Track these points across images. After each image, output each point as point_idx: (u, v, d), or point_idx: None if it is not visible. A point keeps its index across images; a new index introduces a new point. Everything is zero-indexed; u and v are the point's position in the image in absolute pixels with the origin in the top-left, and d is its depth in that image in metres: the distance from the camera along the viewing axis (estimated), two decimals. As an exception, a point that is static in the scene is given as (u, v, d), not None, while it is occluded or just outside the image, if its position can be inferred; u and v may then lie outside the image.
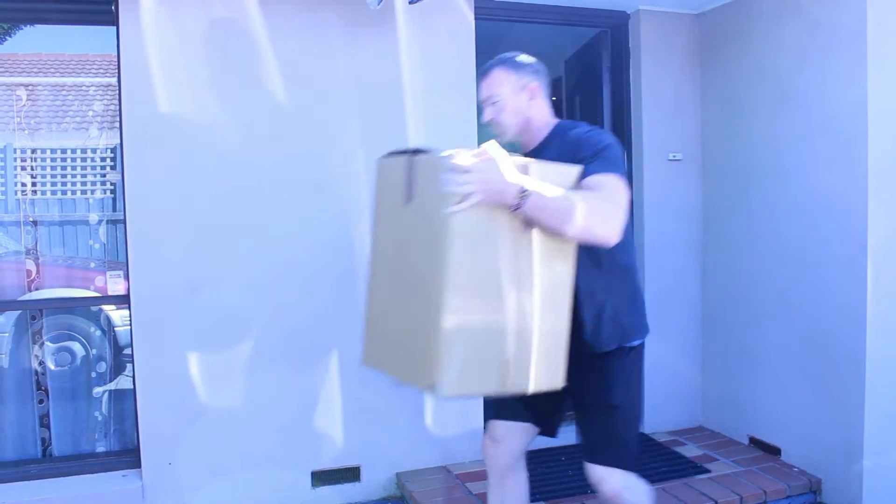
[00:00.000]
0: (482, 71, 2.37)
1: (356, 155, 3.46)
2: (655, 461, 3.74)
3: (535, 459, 3.83)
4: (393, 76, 3.52)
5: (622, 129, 4.23)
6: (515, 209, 1.91)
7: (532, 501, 3.30)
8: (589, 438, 2.36)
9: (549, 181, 1.99)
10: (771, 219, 3.69)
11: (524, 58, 2.36)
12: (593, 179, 2.05)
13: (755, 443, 3.86)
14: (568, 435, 4.10)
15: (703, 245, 4.20)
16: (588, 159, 2.13)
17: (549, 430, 2.53)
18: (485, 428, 2.60)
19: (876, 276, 3.17)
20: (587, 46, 4.58)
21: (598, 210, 2.00)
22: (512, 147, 2.21)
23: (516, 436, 2.49)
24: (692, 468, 3.64)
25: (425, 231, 1.97)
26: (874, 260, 3.16)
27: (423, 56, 3.56)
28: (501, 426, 2.49)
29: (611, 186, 2.06)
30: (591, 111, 4.53)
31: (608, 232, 2.03)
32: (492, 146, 1.95)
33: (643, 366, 2.40)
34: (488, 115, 2.35)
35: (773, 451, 3.72)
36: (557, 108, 5.96)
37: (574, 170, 2.09)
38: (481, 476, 3.58)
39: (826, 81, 3.33)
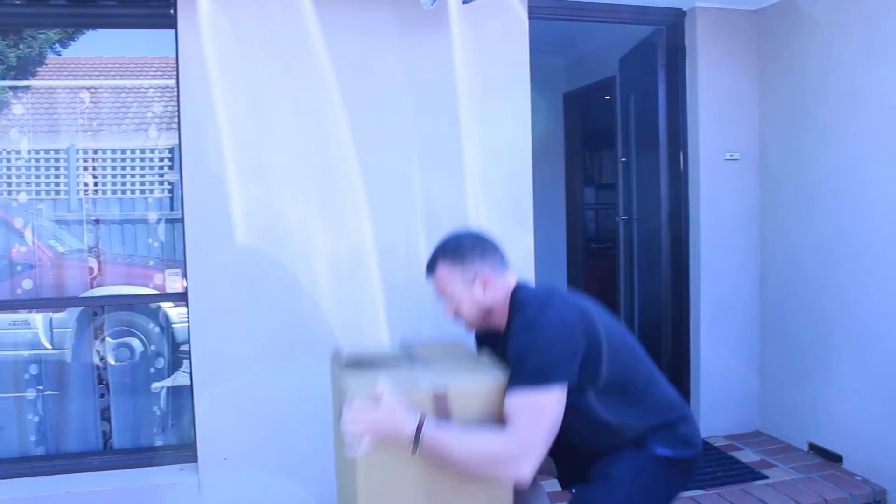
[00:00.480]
0: (427, 265, 2.23)
1: (411, 156, 3.48)
2: (711, 465, 3.67)
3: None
4: (447, 76, 3.52)
5: (677, 128, 4.17)
6: (413, 452, 1.88)
7: None
8: None
9: (470, 409, 1.95)
10: (835, 218, 3.59)
11: (466, 243, 2.20)
12: (507, 407, 1.94)
13: (815, 449, 3.76)
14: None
15: (762, 245, 4.11)
16: (511, 367, 1.99)
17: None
18: None
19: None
20: (642, 44, 4.52)
21: (498, 454, 1.89)
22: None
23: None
24: (749, 474, 3.57)
25: (344, 458, 2.02)
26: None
27: (477, 56, 3.54)
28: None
29: (518, 418, 1.90)
30: (647, 110, 4.48)
31: (512, 476, 1.92)
32: (386, 387, 1.91)
33: (652, 481, 2.11)
34: (448, 311, 2.22)
35: (835, 459, 3.62)
36: (612, 108, 5.93)
37: (496, 384, 2.01)
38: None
39: (889, 78, 3.23)
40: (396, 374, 2.06)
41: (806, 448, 3.82)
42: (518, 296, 2.16)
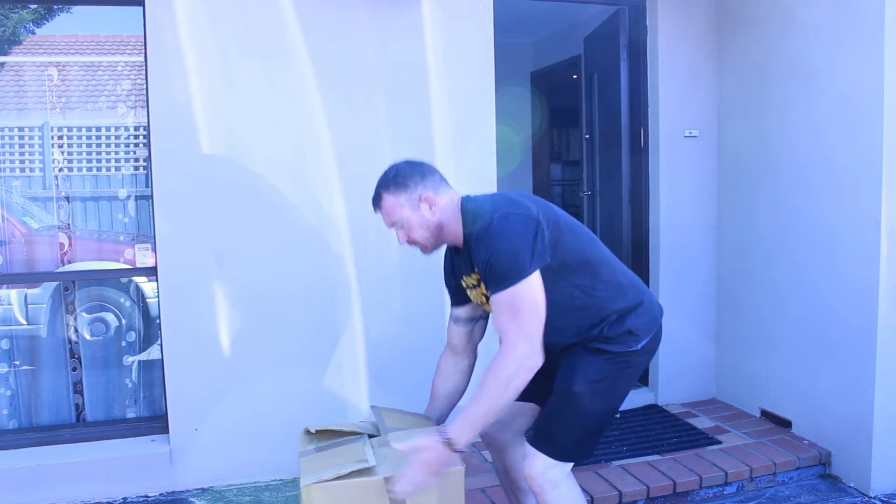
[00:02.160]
0: (373, 200, 2.31)
1: (382, 132, 3.55)
2: (668, 432, 3.82)
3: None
4: (415, 53, 3.58)
5: (639, 106, 4.28)
6: (462, 453, 2.07)
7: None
8: (538, 417, 2.36)
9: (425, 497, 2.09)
10: (786, 195, 3.72)
11: (404, 170, 2.29)
12: (495, 315, 2.10)
13: (767, 415, 3.92)
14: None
15: (719, 220, 4.24)
16: (484, 277, 2.13)
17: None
18: None
19: (890, 252, 3.20)
20: (606, 24, 4.60)
21: (513, 369, 2.02)
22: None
23: (518, 415, 2.48)
24: (704, 439, 3.72)
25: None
26: (888, 236, 3.20)
27: (445, 34, 3.61)
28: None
29: (508, 321, 2.05)
30: (609, 88, 4.57)
31: (534, 368, 2.05)
32: (401, 443, 2.07)
33: (625, 373, 2.28)
34: (400, 238, 2.30)
35: (785, 424, 3.79)
36: (578, 86, 6.02)
37: (424, 421, 2.33)
38: (497, 445, 3.69)
39: (842, 58, 3.35)
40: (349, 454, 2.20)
41: (758, 414, 3.98)
42: (468, 208, 2.27)
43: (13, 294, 3.73)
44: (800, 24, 3.59)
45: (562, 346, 2.26)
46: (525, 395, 2.16)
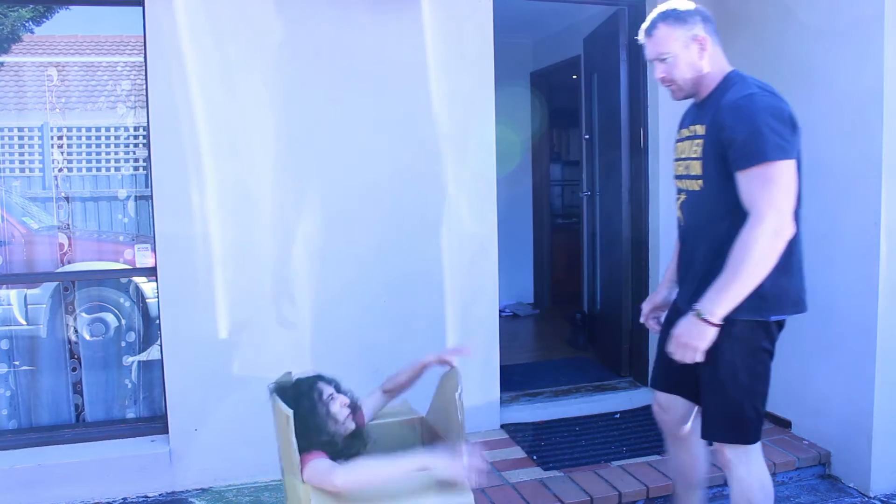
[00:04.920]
0: (646, 29, 2.31)
1: (381, 132, 3.56)
2: (668, 433, 3.82)
3: (549, 429, 3.94)
4: (415, 53, 3.58)
5: (638, 106, 4.28)
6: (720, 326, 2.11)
7: (546, 470, 3.42)
8: (704, 413, 2.37)
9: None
10: (785, 196, 3.71)
11: (688, 6, 2.29)
12: (747, 186, 2.10)
13: (766, 415, 3.89)
14: (582, 406, 4.22)
15: (719, 221, 4.24)
16: (727, 146, 2.14)
17: (693, 397, 2.50)
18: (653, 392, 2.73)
19: (890, 252, 3.20)
20: (605, 24, 4.61)
21: (766, 244, 2.06)
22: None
23: (679, 404, 2.56)
24: (704, 440, 3.71)
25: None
26: (888, 236, 3.20)
27: (444, 34, 3.61)
28: (663, 396, 2.59)
29: (762, 193, 2.07)
30: (609, 89, 4.58)
31: (788, 238, 2.10)
32: None
33: (764, 345, 2.31)
34: (659, 72, 2.32)
35: (784, 424, 3.79)
36: (577, 86, 6.01)
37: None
38: (496, 445, 3.70)
39: (842, 58, 3.35)
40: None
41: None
42: (732, 76, 2.29)
43: (13, 294, 3.73)
44: (799, 25, 3.59)
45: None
46: (675, 390, 2.44)
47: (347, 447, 2.19)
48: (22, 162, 3.67)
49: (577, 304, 5.85)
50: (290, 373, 2.38)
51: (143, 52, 3.32)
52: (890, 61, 3.13)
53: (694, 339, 2.12)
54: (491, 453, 3.58)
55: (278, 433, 2.17)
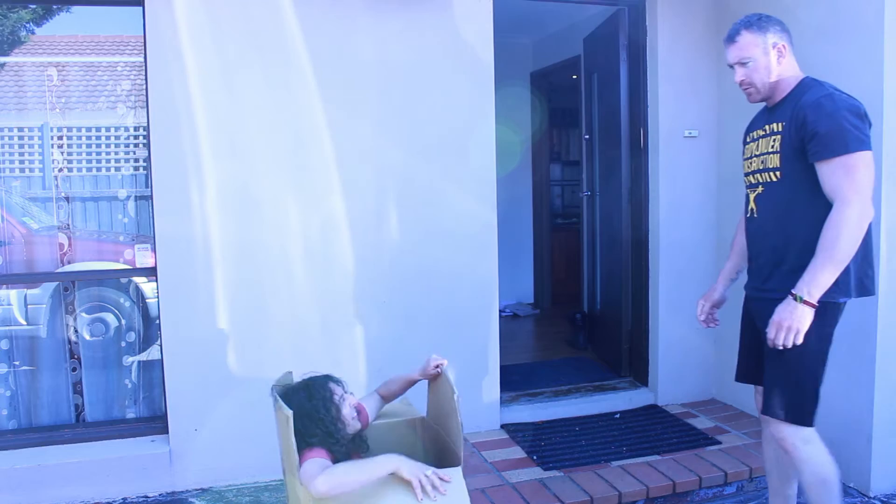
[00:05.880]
0: (730, 34, 2.50)
1: (380, 131, 3.56)
2: (667, 432, 3.82)
3: (549, 429, 3.94)
4: (415, 53, 3.59)
5: (638, 106, 4.28)
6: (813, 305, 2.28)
7: (546, 470, 3.42)
8: (766, 389, 2.52)
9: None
10: (785, 195, 3.71)
11: (769, 18, 2.48)
12: (829, 176, 2.29)
13: (766, 416, 3.92)
14: (582, 406, 4.22)
15: (718, 220, 4.24)
16: (809, 140, 2.31)
17: None
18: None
19: (890, 252, 3.20)
20: (605, 24, 4.61)
21: (852, 225, 2.25)
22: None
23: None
24: (704, 440, 3.72)
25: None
26: (888, 236, 3.20)
27: (444, 34, 3.62)
28: (760, 390, 2.68)
29: (844, 181, 2.26)
30: (609, 89, 4.58)
31: (862, 223, 2.28)
32: None
33: (830, 327, 2.46)
34: (739, 76, 2.50)
35: (784, 424, 3.78)
36: (577, 87, 6.02)
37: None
38: (496, 445, 3.70)
39: (842, 58, 3.35)
40: None
41: (758, 414, 3.96)
42: (808, 80, 2.47)
43: (13, 294, 3.73)
44: (800, 24, 3.58)
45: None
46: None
47: (350, 447, 2.20)
48: (22, 162, 3.67)
49: (577, 304, 5.86)
50: (290, 373, 2.38)
51: (143, 52, 3.32)
52: (890, 61, 3.13)
53: (795, 322, 2.28)
54: (491, 453, 3.59)
55: (279, 433, 2.17)
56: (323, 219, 3.52)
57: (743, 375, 2.79)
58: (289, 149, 3.46)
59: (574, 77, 6.09)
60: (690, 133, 4.18)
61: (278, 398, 2.17)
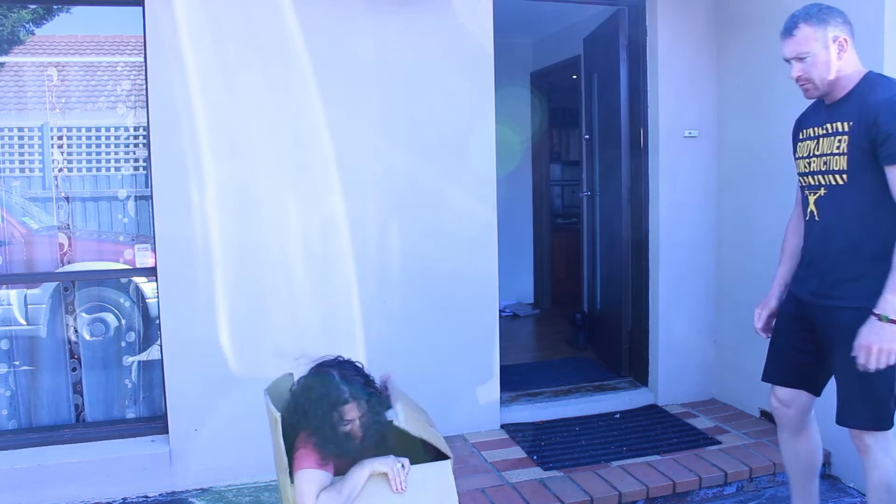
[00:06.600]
0: (787, 27, 2.35)
1: (380, 132, 3.56)
2: (667, 432, 3.82)
3: (549, 429, 3.94)
4: (415, 53, 3.59)
5: (638, 106, 4.28)
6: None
7: (546, 470, 3.42)
8: (838, 399, 2.45)
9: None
10: (786, 195, 3.70)
11: (830, 9, 2.32)
12: (891, 174, 2.19)
13: (767, 415, 3.91)
14: (582, 406, 4.22)
15: (718, 220, 4.24)
16: (881, 142, 2.19)
17: (816, 390, 2.62)
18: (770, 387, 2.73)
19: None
20: (605, 24, 4.61)
21: None
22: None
23: (803, 398, 2.61)
24: (704, 440, 3.72)
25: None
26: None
27: (444, 34, 3.62)
28: (784, 392, 2.62)
29: None
30: (609, 89, 4.58)
31: None
32: None
33: None
34: (797, 71, 2.36)
35: (784, 424, 3.78)
36: (577, 87, 6.02)
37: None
38: (496, 445, 3.70)
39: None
40: None
41: (758, 414, 3.98)
42: (872, 76, 2.34)
43: (13, 294, 3.73)
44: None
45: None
46: (795, 383, 2.56)
47: (350, 450, 2.21)
48: (22, 162, 3.67)
49: (577, 304, 5.86)
50: (290, 374, 2.39)
51: (143, 52, 3.32)
52: (890, 61, 3.13)
53: (886, 343, 2.16)
54: (491, 453, 3.59)
55: (271, 433, 2.21)
56: (323, 219, 3.52)
57: (775, 376, 2.67)
58: (289, 149, 3.46)
59: (574, 77, 6.09)
60: (690, 133, 4.18)
61: (269, 399, 2.21)
